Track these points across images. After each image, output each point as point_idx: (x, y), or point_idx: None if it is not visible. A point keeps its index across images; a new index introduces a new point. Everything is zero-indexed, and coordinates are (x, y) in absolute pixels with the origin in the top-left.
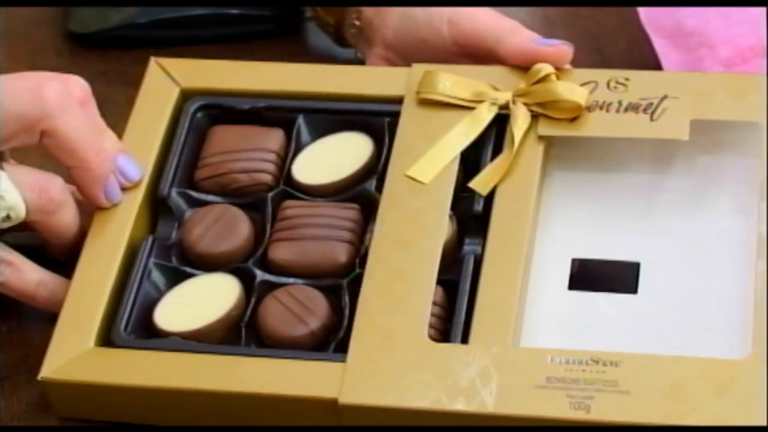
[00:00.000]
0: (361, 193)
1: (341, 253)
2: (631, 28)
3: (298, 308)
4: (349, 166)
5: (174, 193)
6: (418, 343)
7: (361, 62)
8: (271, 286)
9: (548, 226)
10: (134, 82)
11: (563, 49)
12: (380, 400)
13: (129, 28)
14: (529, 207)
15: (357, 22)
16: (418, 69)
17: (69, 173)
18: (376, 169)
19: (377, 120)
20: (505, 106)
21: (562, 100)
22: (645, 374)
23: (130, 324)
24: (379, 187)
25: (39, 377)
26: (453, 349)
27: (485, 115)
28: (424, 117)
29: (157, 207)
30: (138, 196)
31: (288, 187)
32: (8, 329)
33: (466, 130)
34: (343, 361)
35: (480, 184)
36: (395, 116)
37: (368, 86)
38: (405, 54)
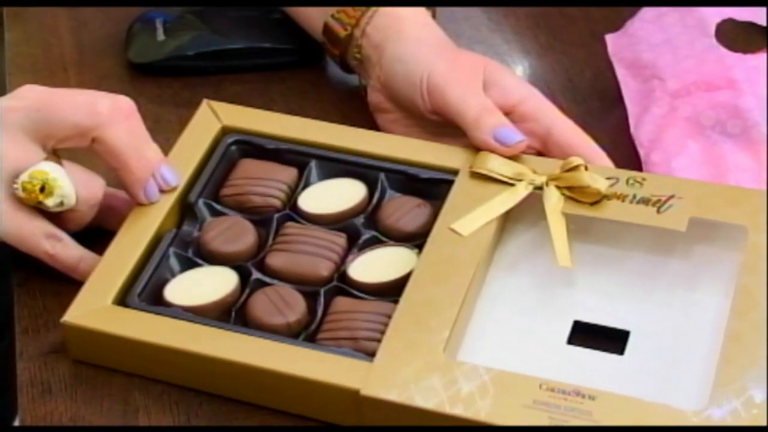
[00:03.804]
0: (350, 225)
1: (324, 269)
2: (596, 61)
3: (280, 303)
4: (344, 203)
5: (201, 202)
6: (434, 356)
7: (364, 89)
8: (263, 284)
9: (560, 289)
10: (183, 104)
11: (518, 147)
12: (395, 396)
13: (179, 59)
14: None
15: (358, 56)
16: (473, 149)
17: (115, 175)
18: (365, 210)
19: (374, 173)
20: (539, 187)
21: (586, 186)
22: (615, 410)
23: (144, 293)
24: (366, 224)
25: (61, 320)
26: (460, 364)
27: (522, 191)
28: (472, 186)
29: (185, 210)
30: (171, 199)
31: (292, 212)
32: (25, 286)
33: (505, 201)
34: (371, 361)
35: None
36: (388, 172)
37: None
38: (393, 97)
